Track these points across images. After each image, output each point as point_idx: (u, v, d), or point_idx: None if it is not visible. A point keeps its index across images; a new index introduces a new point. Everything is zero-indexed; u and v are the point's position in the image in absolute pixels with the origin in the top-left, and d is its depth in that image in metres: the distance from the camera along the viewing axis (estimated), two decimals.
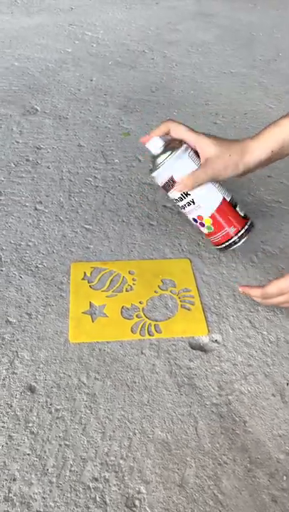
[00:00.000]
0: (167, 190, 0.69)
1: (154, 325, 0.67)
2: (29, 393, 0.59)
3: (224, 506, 0.50)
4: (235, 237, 0.70)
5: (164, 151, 0.67)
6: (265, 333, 0.67)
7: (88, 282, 0.73)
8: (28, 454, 0.53)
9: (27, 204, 0.87)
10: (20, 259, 0.77)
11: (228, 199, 0.69)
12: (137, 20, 1.69)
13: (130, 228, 0.83)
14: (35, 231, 0.82)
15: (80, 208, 0.87)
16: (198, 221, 0.70)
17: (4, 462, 0.52)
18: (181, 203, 0.70)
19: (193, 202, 0.68)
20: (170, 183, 0.68)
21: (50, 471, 0.52)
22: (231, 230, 0.69)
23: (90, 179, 0.94)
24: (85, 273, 0.74)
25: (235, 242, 0.70)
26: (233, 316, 0.69)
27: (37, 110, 1.15)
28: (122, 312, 0.69)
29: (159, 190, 0.92)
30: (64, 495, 0.50)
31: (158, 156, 0.67)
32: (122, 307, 0.69)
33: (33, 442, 0.54)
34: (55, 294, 0.71)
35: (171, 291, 0.72)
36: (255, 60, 1.46)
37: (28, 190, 0.90)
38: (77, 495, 0.50)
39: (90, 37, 1.54)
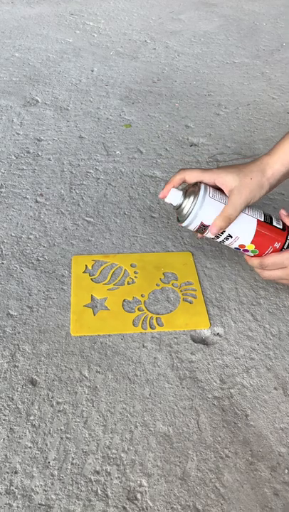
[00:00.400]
0: (202, 233, 0.66)
1: (156, 318, 0.67)
2: (30, 386, 0.59)
3: (226, 500, 0.50)
4: (283, 249, 0.66)
5: (185, 200, 0.64)
6: (267, 326, 0.67)
7: (90, 275, 0.72)
8: (30, 447, 0.53)
9: (28, 196, 0.87)
10: (21, 252, 0.76)
11: (262, 219, 0.65)
12: (139, 10, 1.67)
13: (132, 221, 0.83)
14: (36, 224, 0.81)
15: (81, 201, 0.87)
16: (242, 249, 0.67)
17: (6, 455, 0.52)
18: (219, 240, 0.66)
19: (230, 236, 0.65)
20: (202, 228, 0.64)
21: (51, 464, 0.52)
22: (276, 246, 0.65)
23: (91, 171, 0.94)
24: (86, 266, 0.74)
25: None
26: (235, 310, 0.69)
27: (37, 101, 1.14)
28: (123, 305, 0.68)
29: (161, 183, 0.91)
30: (66, 488, 0.50)
31: (180, 206, 0.64)
32: (124, 300, 0.69)
33: (34, 435, 0.54)
34: (56, 287, 0.71)
35: (173, 285, 0.72)
36: (258, 50, 1.44)
37: (29, 183, 0.90)
38: (78, 488, 0.50)
39: (91, 27, 1.52)
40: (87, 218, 0.83)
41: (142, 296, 0.70)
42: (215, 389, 0.59)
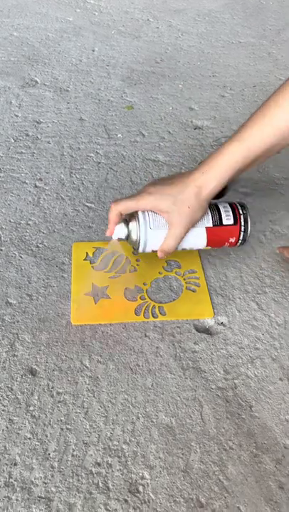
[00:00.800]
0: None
1: (159, 307, 0.65)
2: (30, 376, 0.57)
3: (229, 492, 0.49)
4: (239, 243, 0.66)
5: (129, 231, 0.63)
6: (272, 315, 0.65)
7: (90, 263, 0.71)
8: (29, 438, 0.52)
9: (27, 181, 0.84)
10: (20, 238, 0.74)
11: (210, 224, 0.63)
12: None
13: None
14: (36, 209, 0.79)
15: (81, 186, 0.84)
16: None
17: (5, 446, 0.51)
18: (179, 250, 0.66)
19: (185, 248, 0.65)
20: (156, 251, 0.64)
21: (51, 456, 0.51)
22: (232, 240, 0.65)
23: (92, 155, 0.91)
24: (87, 253, 0.72)
25: (242, 243, 0.66)
26: (239, 298, 0.67)
27: (37, 82, 1.11)
28: (125, 294, 0.67)
29: (163, 167, 0.89)
30: (66, 480, 0.49)
31: (128, 237, 0.63)
32: (126, 289, 0.67)
33: (34, 426, 0.53)
34: (56, 274, 0.69)
35: (176, 273, 0.70)
36: (265, 29, 1.40)
37: (28, 167, 0.87)
38: (79, 480, 0.49)
39: (92, 5, 1.47)
40: (87, 204, 0.81)
41: (144, 284, 0.68)
42: (219, 379, 0.58)
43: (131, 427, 0.53)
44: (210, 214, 0.64)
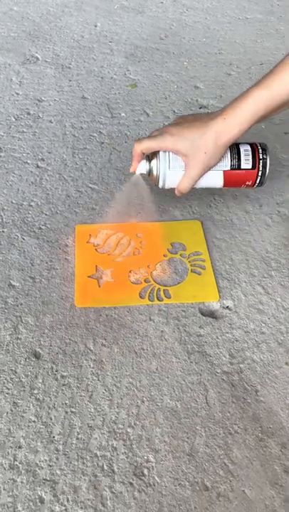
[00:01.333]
0: None
1: (163, 290, 0.64)
2: (34, 359, 0.57)
3: (235, 476, 0.49)
4: (256, 185, 0.67)
5: (151, 168, 0.66)
6: (278, 299, 0.64)
7: (94, 245, 0.69)
8: (34, 421, 0.52)
9: (28, 161, 0.83)
10: (23, 220, 0.73)
11: (228, 168, 0.65)
12: None
13: (138, 188, 0.79)
14: (38, 190, 0.78)
15: (84, 166, 0.82)
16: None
17: (9, 429, 0.51)
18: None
19: (203, 188, 0.68)
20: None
21: (56, 439, 0.50)
22: (249, 183, 0.67)
23: (95, 135, 0.89)
24: (90, 235, 0.71)
25: (260, 185, 0.67)
26: (245, 282, 0.66)
27: (38, 59, 1.08)
28: (129, 276, 0.66)
29: None
30: (71, 463, 0.49)
31: (150, 172, 0.66)
32: (130, 271, 0.66)
33: (38, 409, 0.53)
34: (59, 257, 0.68)
35: (180, 255, 0.69)
36: (272, 5, 1.35)
37: (30, 147, 0.85)
38: (84, 463, 0.49)
39: None
40: (91, 185, 0.79)
41: (148, 267, 0.67)
42: (224, 364, 0.57)
43: (136, 410, 0.53)
44: (229, 157, 0.65)
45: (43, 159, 0.83)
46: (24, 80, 1.01)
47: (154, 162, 0.65)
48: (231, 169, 0.65)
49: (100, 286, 0.64)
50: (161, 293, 0.64)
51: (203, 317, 0.62)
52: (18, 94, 0.97)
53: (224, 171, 0.65)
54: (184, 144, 0.61)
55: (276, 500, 0.47)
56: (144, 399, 0.54)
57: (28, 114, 0.92)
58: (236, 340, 0.60)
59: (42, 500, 0.46)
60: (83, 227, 0.72)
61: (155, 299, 0.63)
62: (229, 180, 0.66)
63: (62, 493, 0.47)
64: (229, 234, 0.72)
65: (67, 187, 0.78)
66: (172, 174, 0.65)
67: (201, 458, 0.50)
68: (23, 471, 0.48)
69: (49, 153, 0.84)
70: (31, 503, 0.46)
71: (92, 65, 1.07)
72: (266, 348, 0.59)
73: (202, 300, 0.64)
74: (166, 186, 0.67)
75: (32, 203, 0.75)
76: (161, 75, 1.04)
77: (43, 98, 0.96)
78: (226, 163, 0.65)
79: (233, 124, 0.59)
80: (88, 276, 0.65)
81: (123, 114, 0.94)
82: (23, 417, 0.52)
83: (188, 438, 0.51)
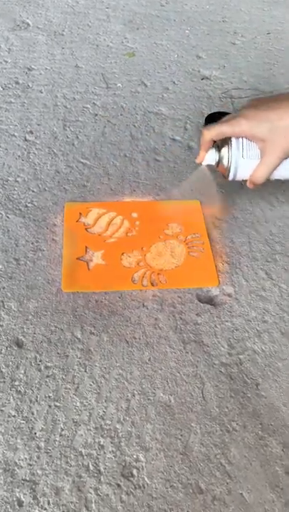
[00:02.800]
0: None
1: (158, 274, 0.59)
2: (16, 348, 0.52)
3: (232, 478, 0.45)
4: None
5: (221, 157, 0.59)
6: (283, 285, 0.60)
7: (84, 225, 0.64)
8: (14, 416, 0.47)
9: (16, 134, 0.77)
10: (8, 196, 0.68)
11: None
12: None
13: (133, 164, 0.73)
14: (25, 165, 0.72)
15: (76, 140, 0.76)
16: None
17: None
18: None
19: (280, 179, 0.60)
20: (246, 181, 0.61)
21: (38, 435, 0.46)
22: None
23: (89, 106, 0.83)
24: (80, 214, 0.65)
25: None
26: (247, 266, 0.61)
27: (28, 25, 1.00)
28: (122, 259, 0.61)
29: (167, 121, 0.81)
30: (53, 462, 0.45)
31: (219, 162, 0.59)
32: (122, 254, 0.61)
33: (19, 403, 0.48)
34: (46, 237, 0.63)
35: (178, 237, 0.64)
36: None
37: (17, 118, 0.79)
38: (67, 462, 0.45)
39: None
40: (82, 160, 0.74)
41: (142, 249, 0.62)
42: (222, 354, 0.53)
43: (125, 404, 0.49)
44: None
45: (31, 132, 0.77)
46: (13, 47, 0.94)
47: (224, 150, 0.58)
48: None
49: (89, 270, 0.59)
50: (156, 277, 0.59)
51: (201, 304, 0.57)
52: (6, 62, 0.91)
53: None
54: (261, 127, 0.54)
55: (276, 505, 0.43)
56: (135, 392, 0.50)
57: (17, 83, 0.86)
58: (236, 330, 0.55)
59: (20, 503, 0.43)
60: (73, 206, 0.67)
61: (149, 283, 0.59)
62: None
63: (43, 495, 0.43)
64: (230, 214, 0.67)
65: (56, 162, 0.73)
66: (246, 164, 0.57)
67: (195, 457, 0.46)
68: (0, 471, 0.44)
69: (38, 125, 0.78)
70: (8, 506, 0.42)
71: (87, 32, 1.00)
72: (268, 338, 0.55)
73: (200, 285, 0.59)
74: (238, 178, 0.59)
75: (18, 179, 0.70)
76: (160, 44, 0.98)
77: (33, 66, 0.90)
78: None
79: None
80: (77, 259, 0.60)
81: (119, 85, 0.87)
82: (2, 411, 0.48)
83: (181, 435, 0.47)
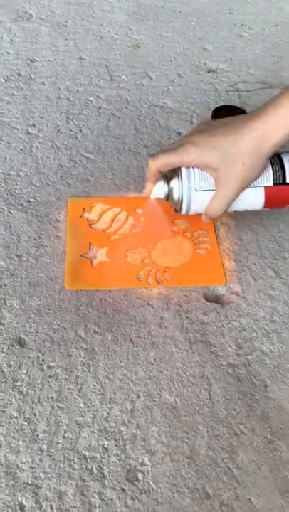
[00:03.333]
0: None
1: (164, 272, 0.58)
2: (18, 347, 0.51)
3: (240, 483, 0.43)
4: None
5: (170, 190, 0.53)
6: None
7: (88, 221, 0.63)
8: (16, 417, 0.46)
9: (18, 127, 0.75)
10: (10, 191, 0.66)
11: (271, 183, 0.52)
12: None
13: (138, 159, 0.72)
14: (28, 159, 0.70)
15: (79, 133, 0.75)
16: None
17: None
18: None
19: (238, 211, 0.56)
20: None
21: (40, 438, 0.45)
22: None
23: (92, 99, 0.81)
24: (84, 210, 0.64)
25: None
26: (255, 264, 0.60)
27: (31, 15, 0.98)
28: (126, 256, 0.59)
29: (172, 114, 0.79)
30: (56, 465, 0.44)
31: (169, 196, 0.54)
32: (127, 250, 0.60)
33: (21, 403, 0.47)
34: (49, 233, 0.61)
35: (184, 234, 0.62)
36: None
37: (20, 111, 0.77)
38: (71, 465, 0.44)
39: None
40: (86, 154, 0.72)
41: (147, 246, 0.60)
42: (230, 355, 0.52)
43: (130, 406, 0.47)
44: (271, 169, 0.52)
45: (34, 125, 0.75)
46: (16, 38, 0.92)
47: (174, 183, 0.52)
48: (275, 184, 0.52)
49: (93, 267, 0.58)
50: (162, 275, 0.58)
51: (208, 303, 0.56)
52: (8, 53, 0.89)
53: (266, 188, 0.52)
54: (213, 155, 0.48)
55: (286, 511, 0.42)
56: (140, 393, 0.48)
57: (19, 75, 0.84)
58: (244, 329, 0.54)
59: (22, 507, 0.41)
60: (76, 201, 0.65)
61: (154, 281, 0.57)
62: (272, 200, 0.53)
63: (46, 499, 0.42)
64: None
65: (59, 156, 0.71)
66: (199, 197, 0.52)
67: (202, 461, 0.44)
68: (1, 474, 0.43)
69: (41, 118, 0.77)
70: (10, 510, 0.41)
71: (91, 23, 0.97)
72: (277, 339, 0.53)
73: (207, 284, 0.57)
74: (191, 213, 0.54)
75: (20, 173, 0.68)
76: (166, 35, 0.95)
77: (35, 58, 0.88)
78: (268, 177, 0.52)
79: (278, 124, 0.46)
80: (80, 256, 0.59)
81: (124, 77, 0.85)
82: (3, 412, 0.46)
83: (188, 439, 0.46)
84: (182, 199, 0.52)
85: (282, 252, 0.61)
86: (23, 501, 0.42)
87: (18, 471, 0.43)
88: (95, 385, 0.49)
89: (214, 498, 0.42)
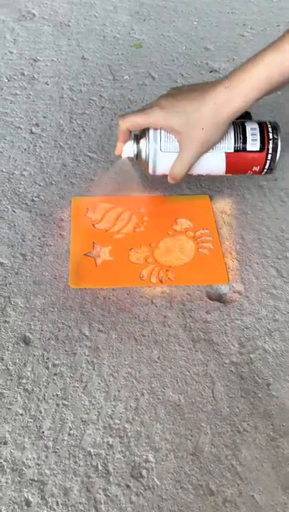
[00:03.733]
0: None
1: (167, 271, 0.58)
2: (23, 345, 0.51)
3: (243, 479, 0.44)
4: (264, 172, 0.59)
5: (139, 151, 0.57)
6: None
7: (92, 220, 0.63)
8: (21, 414, 0.47)
9: (21, 126, 0.75)
10: (14, 190, 0.66)
11: (231, 149, 0.56)
12: None
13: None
14: (31, 158, 0.71)
15: (82, 133, 0.75)
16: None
17: None
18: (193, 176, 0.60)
19: (201, 175, 0.59)
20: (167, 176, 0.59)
21: (46, 434, 0.45)
22: (256, 169, 0.58)
23: (95, 98, 0.81)
24: (88, 209, 0.64)
25: (269, 172, 0.59)
26: (257, 264, 0.60)
27: (34, 15, 0.99)
28: (129, 255, 0.60)
29: None
30: (61, 462, 0.44)
31: (138, 156, 0.57)
32: (130, 250, 0.60)
33: (26, 401, 0.47)
34: (53, 232, 0.62)
35: (186, 233, 0.62)
36: None
37: (23, 110, 0.78)
38: (76, 462, 0.44)
39: None
40: (89, 154, 0.72)
41: (151, 245, 0.61)
42: (233, 353, 0.52)
43: (134, 404, 0.48)
44: (232, 136, 0.55)
45: (37, 124, 0.76)
46: (19, 38, 0.92)
47: (142, 143, 0.56)
48: (235, 151, 0.56)
49: (97, 266, 0.58)
50: (165, 274, 0.58)
51: (211, 301, 0.56)
52: (11, 53, 0.89)
53: (227, 154, 0.56)
54: (177, 118, 0.52)
55: (288, 507, 0.43)
56: (144, 391, 0.49)
57: (23, 74, 0.85)
58: (246, 328, 0.54)
59: (28, 503, 0.42)
60: (80, 200, 0.65)
61: (158, 280, 0.58)
62: (232, 165, 0.57)
63: (52, 495, 0.42)
64: (240, 210, 0.66)
65: (63, 155, 0.71)
66: (165, 158, 0.55)
67: (206, 458, 0.45)
68: (8, 470, 0.43)
69: (44, 117, 0.77)
70: (16, 506, 0.42)
71: (94, 22, 0.98)
72: (279, 337, 0.54)
73: (209, 283, 0.58)
74: (158, 173, 0.58)
75: (24, 172, 0.69)
76: (168, 35, 0.96)
77: (39, 58, 0.88)
78: (229, 145, 0.55)
79: (237, 93, 0.50)
80: (84, 254, 0.59)
81: (126, 77, 0.86)
82: (9, 409, 0.47)
83: (192, 436, 0.46)
84: (148, 159, 0.56)
85: (284, 252, 0.62)
86: (29, 497, 0.42)
87: (24, 468, 0.44)
88: (99, 383, 0.49)
89: (218, 495, 0.43)
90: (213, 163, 0.57)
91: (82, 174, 0.69)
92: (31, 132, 0.75)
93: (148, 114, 0.53)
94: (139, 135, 0.56)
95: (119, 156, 0.59)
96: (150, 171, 0.57)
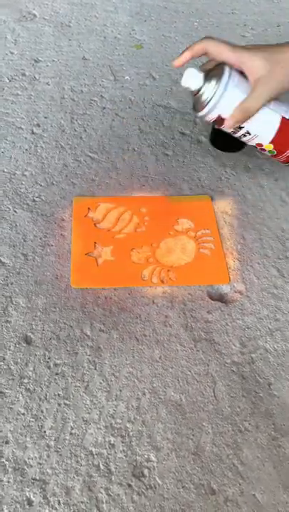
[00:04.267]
0: (219, 126, 0.59)
1: (168, 271, 0.58)
2: (25, 345, 0.52)
3: (244, 479, 0.44)
4: None
5: (205, 84, 0.55)
6: None
7: (93, 220, 0.63)
8: (23, 414, 0.47)
9: (22, 127, 0.75)
10: (15, 190, 0.66)
11: (287, 116, 0.57)
12: None
13: (142, 158, 0.72)
14: (32, 159, 0.71)
15: (83, 133, 0.75)
16: (258, 148, 0.61)
17: None
18: (236, 135, 0.60)
19: (248, 133, 0.58)
20: (219, 121, 0.57)
21: (47, 434, 0.46)
22: None
23: (96, 99, 0.81)
24: (89, 209, 0.64)
25: None
26: (258, 263, 0.60)
27: (35, 16, 0.99)
28: (131, 255, 0.60)
29: (176, 115, 0.79)
30: (63, 461, 0.44)
31: (199, 91, 0.55)
32: (132, 249, 0.60)
33: (28, 400, 0.48)
34: (54, 232, 0.62)
35: (188, 233, 0.63)
36: None
37: (24, 111, 0.78)
38: (78, 461, 0.44)
39: None
40: (90, 154, 0.72)
41: (152, 245, 0.61)
42: (234, 353, 0.52)
43: (136, 403, 0.48)
44: None
45: (38, 125, 0.76)
46: (20, 39, 0.92)
47: (210, 84, 0.53)
48: None
49: (98, 266, 0.58)
50: (166, 274, 0.58)
51: (212, 301, 0.57)
52: (12, 53, 0.89)
53: (282, 118, 0.56)
54: (259, 56, 0.52)
55: None
56: (146, 391, 0.49)
57: (24, 75, 0.85)
58: (248, 328, 0.54)
59: (30, 502, 0.42)
60: (81, 200, 0.66)
61: (159, 280, 0.58)
62: (281, 134, 0.56)
63: (53, 494, 0.42)
64: (241, 210, 0.66)
65: (64, 155, 0.72)
66: (230, 96, 0.53)
67: (207, 458, 0.45)
68: (10, 470, 0.43)
69: (45, 118, 0.77)
70: (18, 505, 0.42)
71: (94, 23, 0.98)
72: (280, 337, 0.54)
73: (211, 282, 0.58)
74: (215, 112, 0.55)
75: (26, 173, 0.69)
76: (169, 36, 0.96)
77: (40, 58, 0.88)
78: (287, 110, 0.56)
79: None
80: (86, 254, 0.59)
81: (127, 77, 0.86)
82: (11, 408, 0.47)
83: (193, 435, 0.46)
84: (213, 96, 0.54)
85: (285, 252, 0.62)
86: (31, 496, 0.42)
87: (26, 467, 0.44)
88: (101, 383, 0.49)
89: (219, 494, 0.43)
90: (267, 122, 0.56)
91: (83, 174, 0.69)
92: (32, 133, 0.75)
93: (234, 48, 0.54)
94: (210, 72, 0.55)
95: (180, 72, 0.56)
96: (209, 107, 0.55)
